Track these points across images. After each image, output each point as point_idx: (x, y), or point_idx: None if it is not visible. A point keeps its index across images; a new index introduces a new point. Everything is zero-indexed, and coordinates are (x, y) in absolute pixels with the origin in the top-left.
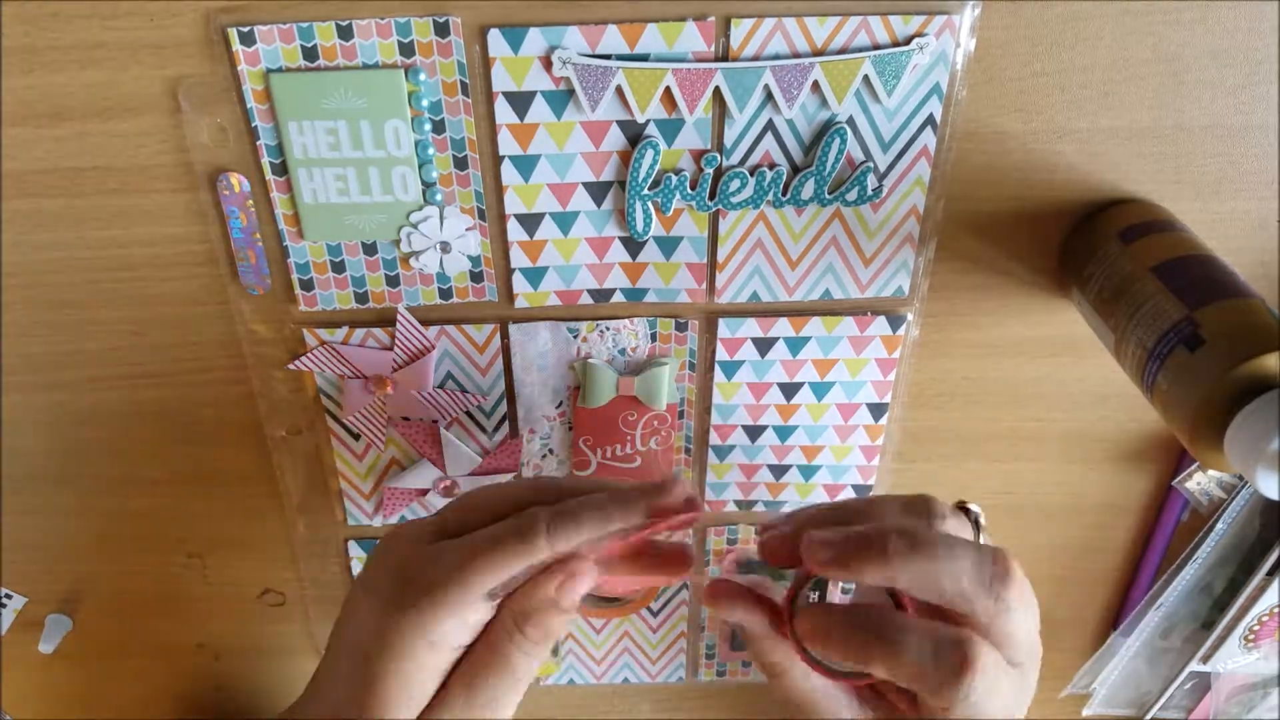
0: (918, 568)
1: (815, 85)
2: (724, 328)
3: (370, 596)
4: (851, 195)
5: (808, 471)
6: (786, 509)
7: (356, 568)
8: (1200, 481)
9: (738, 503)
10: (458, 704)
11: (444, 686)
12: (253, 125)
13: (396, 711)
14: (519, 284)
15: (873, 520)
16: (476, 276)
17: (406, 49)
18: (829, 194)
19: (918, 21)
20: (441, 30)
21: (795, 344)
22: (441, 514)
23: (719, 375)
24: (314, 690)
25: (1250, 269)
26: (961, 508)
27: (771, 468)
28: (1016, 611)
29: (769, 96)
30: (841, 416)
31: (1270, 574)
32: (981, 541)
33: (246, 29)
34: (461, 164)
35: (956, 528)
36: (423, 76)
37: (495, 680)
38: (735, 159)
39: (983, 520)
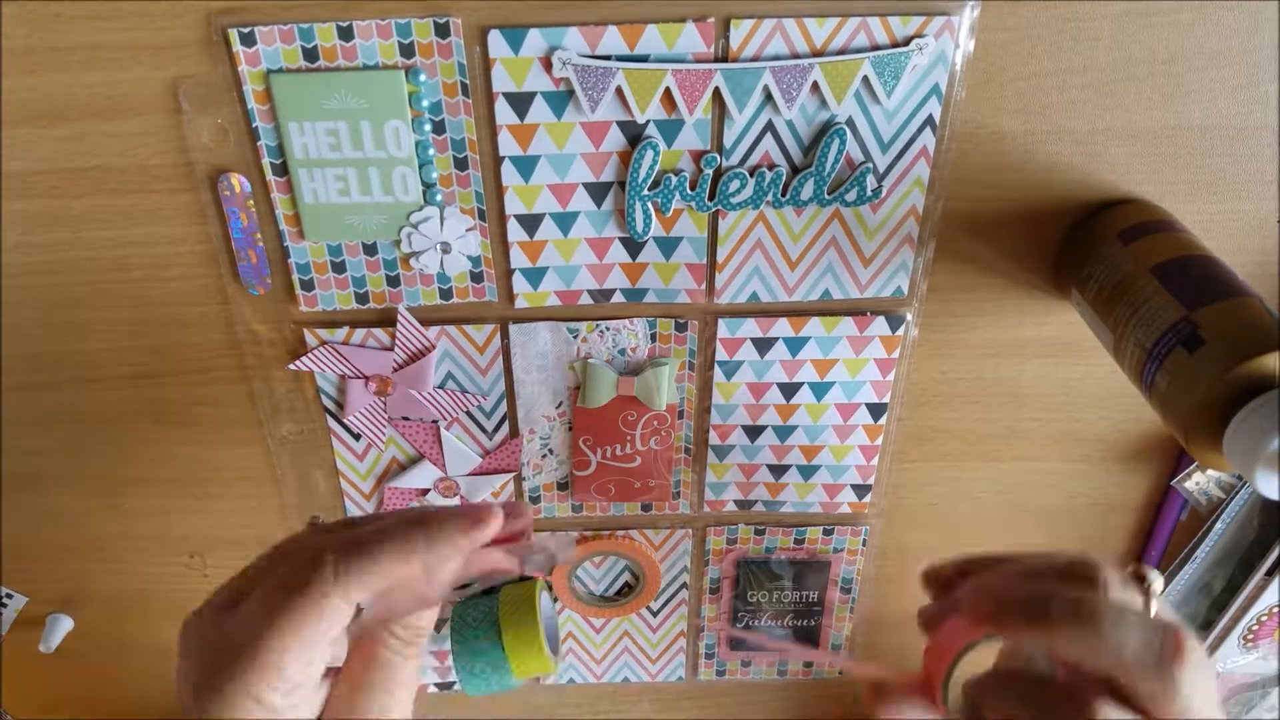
0: (1081, 637)
1: (815, 86)
2: (723, 328)
3: (187, 687)
4: (851, 196)
5: (807, 471)
6: (788, 508)
7: None
8: (1199, 481)
9: (737, 502)
10: (344, 712)
11: (328, 702)
12: (253, 126)
13: None
14: (519, 284)
15: (1037, 579)
16: (477, 277)
17: (407, 50)
18: (828, 194)
19: (917, 22)
20: (442, 31)
21: (795, 344)
22: (239, 575)
23: (718, 375)
24: None
25: (1249, 269)
26: (1138, 575)
27: (771, 467)
28: (1187, 695)
29: (768, 97)
30: (841, 416)
31: (1269, 574)
32: (1154, 612)
33: (247, 30)
34: (462, 164)
35: (1125, 595)
36: (423, 77)
37: (377, 685)
38: (735, 159)
39: (1157, 588)
